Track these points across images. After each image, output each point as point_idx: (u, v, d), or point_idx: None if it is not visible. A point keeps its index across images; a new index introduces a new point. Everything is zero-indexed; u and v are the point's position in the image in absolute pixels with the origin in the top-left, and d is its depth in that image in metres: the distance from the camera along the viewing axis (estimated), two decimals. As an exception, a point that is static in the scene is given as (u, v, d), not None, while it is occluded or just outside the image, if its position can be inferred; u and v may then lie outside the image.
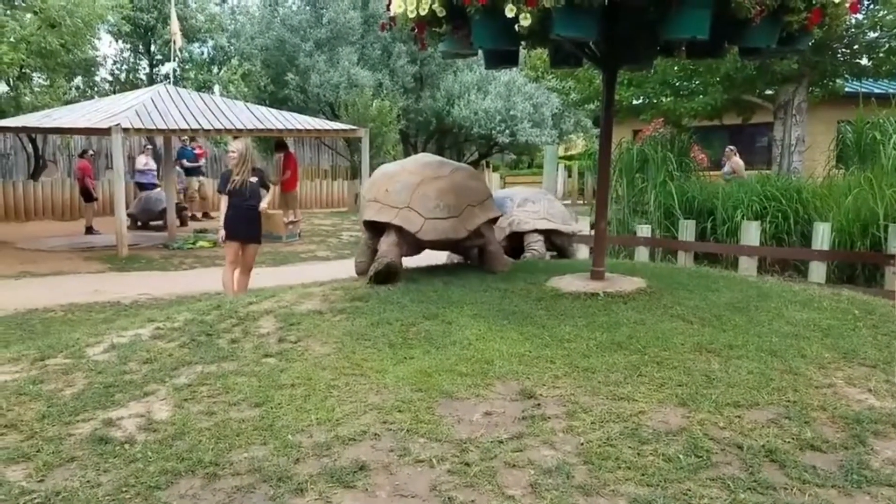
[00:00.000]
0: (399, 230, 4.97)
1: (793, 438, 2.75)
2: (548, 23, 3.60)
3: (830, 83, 12.45)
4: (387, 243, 5.01)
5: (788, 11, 3.71)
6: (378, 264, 4.85)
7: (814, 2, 3.72)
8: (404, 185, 5.05)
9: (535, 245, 6.86)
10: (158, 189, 15.53)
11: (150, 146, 17.40)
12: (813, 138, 12.36)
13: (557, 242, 7.18)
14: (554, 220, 7.01)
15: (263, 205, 7.42)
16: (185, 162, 17.00)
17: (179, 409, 3.09)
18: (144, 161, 16.32)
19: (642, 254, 8.33)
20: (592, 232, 6.28)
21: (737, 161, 14.00)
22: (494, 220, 5.45)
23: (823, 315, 4.18)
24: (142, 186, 16.12)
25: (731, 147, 14.19)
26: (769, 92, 12.57)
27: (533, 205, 7.05)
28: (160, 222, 14.75)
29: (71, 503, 2.43)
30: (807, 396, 3.08)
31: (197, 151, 17.60)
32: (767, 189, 8.55)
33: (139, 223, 15.38)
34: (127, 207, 15.83)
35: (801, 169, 11.53)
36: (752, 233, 7.56)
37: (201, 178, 17.70)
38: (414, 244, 5.09)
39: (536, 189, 7.75)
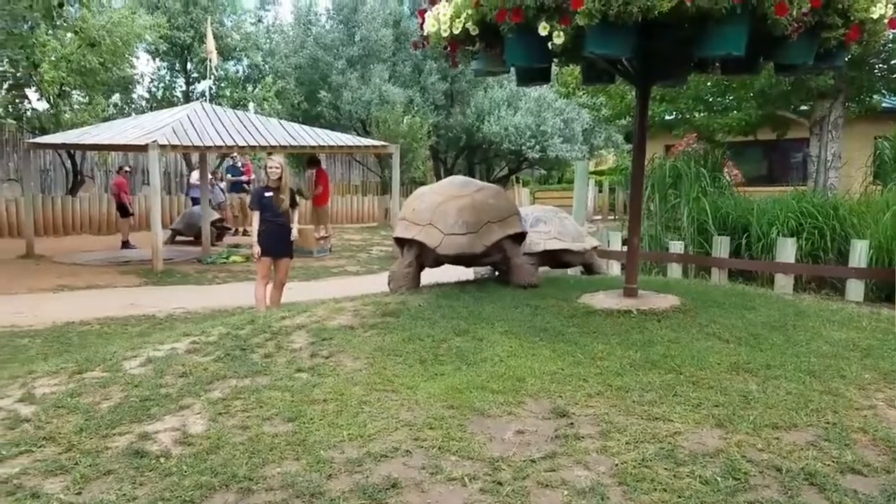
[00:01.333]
0: (421, 246, 5.29)
1: (833, 461, 2.69)
2: (581, 40, 3.59)
3: (867, 99, 12.24)
4: (402, 267, 5.44)
5: (826, 28, 3.65)
6: (393, 289, 5.39)
7: (852, 18, 3.66)
8: (429, 204, 5.37)
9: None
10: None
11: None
12: (849, 154, 12.15)
13: (569, 260, 7.21)
14: (564, 240, 7.08)
15: (294, 233, 7.57)
16: (230, 177, 17.18)
17: (214, 423, 3.12)
18: (197, 176, 16.32)
19: (675, 270, 8.25)
20: (625, 248, 6.24)
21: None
22: (519, 236, 5.51)
23: (863, 335, 4.09)
24: (195, 201, 16.30)
25: (730, 162, 13.77)
26: (804, 108, 12.39)
27: (545, 225, 7.14)
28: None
29: (107, 516, 2.46)
30: (847, 418, 3.01)
31: (244, 168, 17.76)
32: (803, 205, 8.43)
33: (177, 237, 15.58)
34: (171, 222, 16.16)
35: (837, 185, 11.33)
36: (787, 250, 7.45)
37: (243, 195, 17.79)
38: (434, 258, 5.38)
39: (549, 207, 7.81)
